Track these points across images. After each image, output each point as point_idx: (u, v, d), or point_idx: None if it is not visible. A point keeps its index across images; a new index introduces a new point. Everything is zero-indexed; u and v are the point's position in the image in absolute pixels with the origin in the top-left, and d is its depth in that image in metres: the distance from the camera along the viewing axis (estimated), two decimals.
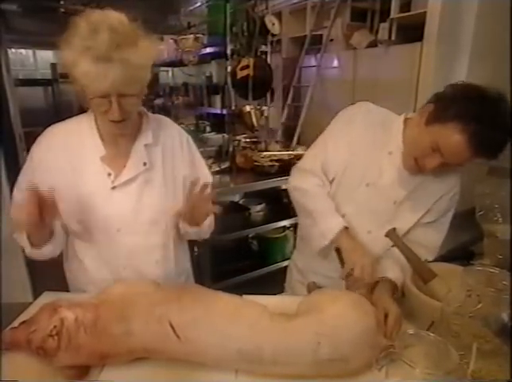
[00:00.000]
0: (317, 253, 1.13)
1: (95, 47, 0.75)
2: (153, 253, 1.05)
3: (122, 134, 0.96)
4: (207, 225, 1.08)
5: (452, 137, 0.89)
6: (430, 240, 1.12)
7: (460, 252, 1.35)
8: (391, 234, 1.08)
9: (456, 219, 1.15)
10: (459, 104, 0.89)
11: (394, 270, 1.06)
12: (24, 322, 0.83)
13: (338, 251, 1.07)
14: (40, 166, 0.96)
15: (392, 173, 1.07)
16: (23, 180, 0.99)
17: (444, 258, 1.16)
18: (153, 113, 1.09)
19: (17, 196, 1.00)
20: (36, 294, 1.09)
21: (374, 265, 1.01)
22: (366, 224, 1.12)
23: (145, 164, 0.98)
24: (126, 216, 0.99)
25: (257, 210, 2.58)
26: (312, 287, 1.04)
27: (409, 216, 1.10)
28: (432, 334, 0.70)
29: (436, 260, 1.13)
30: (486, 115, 0.85)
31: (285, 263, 1.48)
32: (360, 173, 1.09)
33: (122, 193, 0.98)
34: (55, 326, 0.78)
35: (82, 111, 0.98)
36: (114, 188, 0.97)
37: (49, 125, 1.02)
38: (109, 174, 0.96)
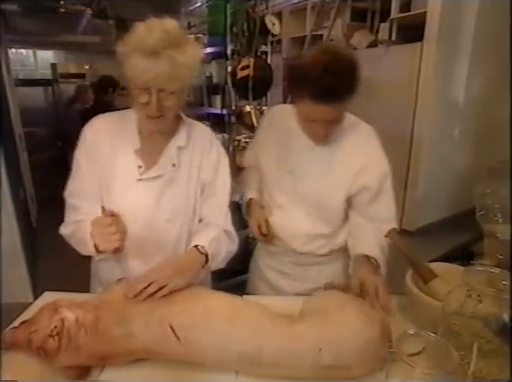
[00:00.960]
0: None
1: (146, 43, 0.84)
2: (163, 250, 1.06)
3: (157, 131, 1.02)
4: (218, 263, 1.05)
5: (303, 104, 0.98)
6: (383, 213, 1.14)
7: (460, 252, 1.34)
8: (391, 234, 1.08)
9: (456, 219, 1.15)
10: (292, 77, 1.00)
11: (370, 246, 1.08)
12: (24, 322, 0.83)
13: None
14: (91, 146, 1.03)
15: (306, 155, 1.14)
16: (81, 160, 1.04)
17: (445, 258, 1.16)
18: None
19: (77, 185, 1.04)
20: (37, 294, 1.09)
21: (266, 221, 1.19)
22: (303, 208, 1.17)
23: (173, 165, 1.04)
24: (145, 209, 1.03)
25: None
26: (329, 287, 1.02)
27: (338, 192, 1.13)
28: (432, 334, 0.70)
29: (436, 260, 1.13)
30: (309, 73, 0.93)
31: None
32: (280, 164, 1.17)
33: (145, 187, 1.02)
34: (55, 326, 0.78)
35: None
36: (140, 180, 1.02)
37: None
38: (139, 167, 1.02)
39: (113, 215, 0.92)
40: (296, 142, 1.14)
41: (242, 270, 2.46)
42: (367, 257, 1.05)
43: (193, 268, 0.94)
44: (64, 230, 1.03)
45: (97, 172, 1.02)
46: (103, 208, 0.91)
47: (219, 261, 1.04)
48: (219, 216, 1.10)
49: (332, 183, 1.13)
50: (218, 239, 1.03)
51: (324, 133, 1.04)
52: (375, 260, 1.04)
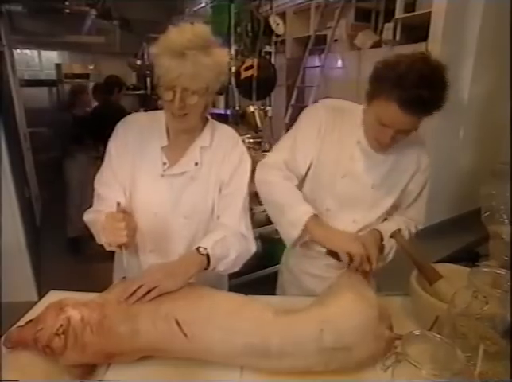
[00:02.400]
0: (290, 246, 1.15)
1: (175, 44, 0.90)
2: (179, 245, 1.09)
3: (181, 129, 1.05)
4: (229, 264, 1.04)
5: (385, 107, 0.95)
6: (416, 214, 1.20)
7: (466, 254, 1.34)
8: (396, 235, 1.08)
9: (461, 220, 1.15)
10: (382, 76, 0.96)
11: (386, 226, 1.13)
12: (30, 321, 0.84)
13: (330, 252, 1.07)
14: (121, 141, 1.09)
15: (364, 161, 1.11)
16: (111, 154, 1.10)
17: (450, 259, 1.16)
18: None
19: (107, 177, 1.10)
20: (41, 293, 1.09)
21: (360, 240, 1.05)
22: (350, 213, 1.16)
23: (196, 164, 1.07)
24: (165, 204, 1.07)
25: (261, 210, 2.57)
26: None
27: (388, 198, 1.15)
28: (438, 335, 0.70)
29: (441, 261, 1.12)
30: (403, 78, 0.90)
31: None
32: (333, 167, 1.13)
33: (167, 183, 1.07)
34: (61, 325, 0.78)
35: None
36: (163, 176, 1.06)
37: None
38: (164, 163, 1.06)
39: (125, 212, 0.96)
40: (356, 146, 1.11)
41: (245, 270, 2.47)
42: (378, 232, 1.10)
43: (188, 270, 0.94)
44: (87, 216, 1.07)
45: (124, 166, 1.07)
46: (118, 204, 0.95)
47: (227, 263, 1.03)
48: (233, 218, 1.08)
49: (386, 191, 1.14)
50: (224, 242, 1.02)
51: (390, 141, 1.01)
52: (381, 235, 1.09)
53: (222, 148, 1.09)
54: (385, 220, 1.19)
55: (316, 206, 1.16)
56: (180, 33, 0.91)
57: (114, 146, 1.10)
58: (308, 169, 1.17)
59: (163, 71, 0.93)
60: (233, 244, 1.04)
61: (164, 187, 1.07)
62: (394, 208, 1.19)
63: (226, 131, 1.14)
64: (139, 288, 0.85)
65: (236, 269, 1.09)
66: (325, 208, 1.16)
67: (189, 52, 0.89)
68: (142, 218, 1.06)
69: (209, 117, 1.13)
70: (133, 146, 1.07)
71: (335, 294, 0.88)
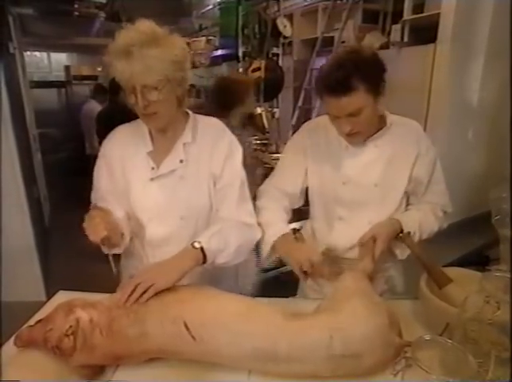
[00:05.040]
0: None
1: (119, 45, 0.90)
2: (179, 247, 1.05)
3: (156, 129, 1.06)
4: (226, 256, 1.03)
5: (321, 100, 1.02)
6: (438, 198, 1.19)
7: (476, 257, 1.32)
8: (405, 238, 1.07)
9: (472, 223, 1.14)
10: (316, 77, 1.05)
11: (405, 217, 1.13)
12: (40, 321, 0.84)
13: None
14: (109, 157, 1.10)
15: (358, 162, 1.12)
16: (101, 171, 1.11)
17: (459, 263, 1.14)
18: None
19: (102, 192, 1.11)
20: (49, 293, 1.10)
21: (317, 255, 1.05)
22: (363, 216, 1.16)
23: (181, 161, 1.06)
24: (159, 207, 1.06)
25: None
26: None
27: (396, 190, 1.15)
28: (449, 341, 0.69)
29: (451, 265, 1.11)
30: (323, 67, 1.01)
31: None
32: (332, 177, 1.15)
33: (158, 186, 1.06)
34: (70, 326, 0.79)
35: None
36: (152, 179, 1.06)
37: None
38: (152, 168, 1.06)
39: (101, 209, 0.97)
40: (345, 151, 1.13)
41: None
42: (398, 222, 1.09)
43: (183, 266, 0.93)
44: None
45: (117, 179, 1.08)
46: (94, 205, 0.97)
47: (227, 255, 1.01)
48: (230, 209, 1.07)
49: (392, 184, 1.14)
50: (221, 234, 1.00)
51: (349, 129, 1.02)
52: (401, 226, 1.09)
53: (207, 141, 1.08)
54: (408, 207, 1.18)
55: (328, 218, 1.20)
56: (124, 34, 0.92)
57: (102, 163, 1.11)
58: (307, 190, 1.23)
59: (118, 75, 0.92)
60: (231, 235, 1.02)
61: (155, 190, 1.06)
62: (413, 197, 1.18)
63: (210, 123, 1.12)
64: (135, 289, 0.85)
65: (241, 259, 1.07)
66: (337, 217, 1.18)
67: (134, 48, 0.89)
68: (138, 226, 1.07)
69: (190, 112, 1.11)
70: (122, 158, 1.08)
71: (343, 299, 0.87)
